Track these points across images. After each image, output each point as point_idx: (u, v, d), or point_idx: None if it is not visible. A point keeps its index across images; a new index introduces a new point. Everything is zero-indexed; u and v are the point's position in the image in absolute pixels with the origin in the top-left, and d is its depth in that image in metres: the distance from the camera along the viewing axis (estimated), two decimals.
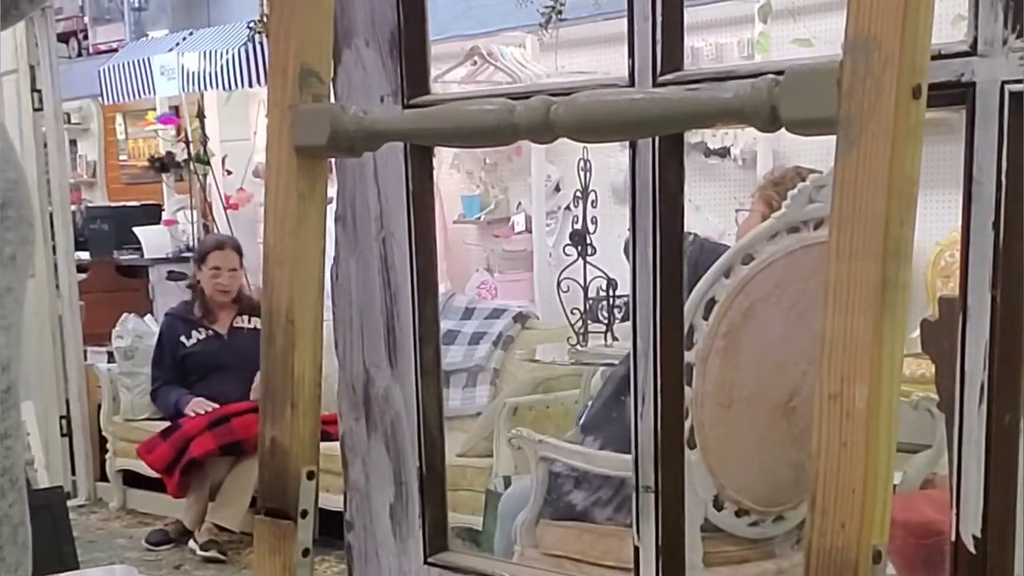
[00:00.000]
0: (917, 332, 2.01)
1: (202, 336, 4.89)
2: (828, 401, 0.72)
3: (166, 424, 4.77)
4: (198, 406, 4.71)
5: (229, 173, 6.46)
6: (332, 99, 1.18)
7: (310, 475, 1.13)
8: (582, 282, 4.80)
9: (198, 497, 4.65)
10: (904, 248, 0.72)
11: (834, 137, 0.73)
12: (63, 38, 7.14)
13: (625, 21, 1.15)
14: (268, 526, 1.02)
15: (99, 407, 5.42)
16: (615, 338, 4.56)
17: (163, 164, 6.56)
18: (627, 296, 1.38)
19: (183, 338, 4.89)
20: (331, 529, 2.61)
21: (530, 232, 5.38)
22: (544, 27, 4.57)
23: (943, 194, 3.99)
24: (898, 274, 0.71)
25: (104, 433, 5.39)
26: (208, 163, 6.36)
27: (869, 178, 0.71)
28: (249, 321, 4.89)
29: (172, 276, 6.33)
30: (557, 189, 5.48)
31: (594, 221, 4.81)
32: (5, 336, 0.71)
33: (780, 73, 0.77)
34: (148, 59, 6.40)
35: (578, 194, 4.83)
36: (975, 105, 0.97)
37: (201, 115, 6.33)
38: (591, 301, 4.81)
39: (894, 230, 0.71)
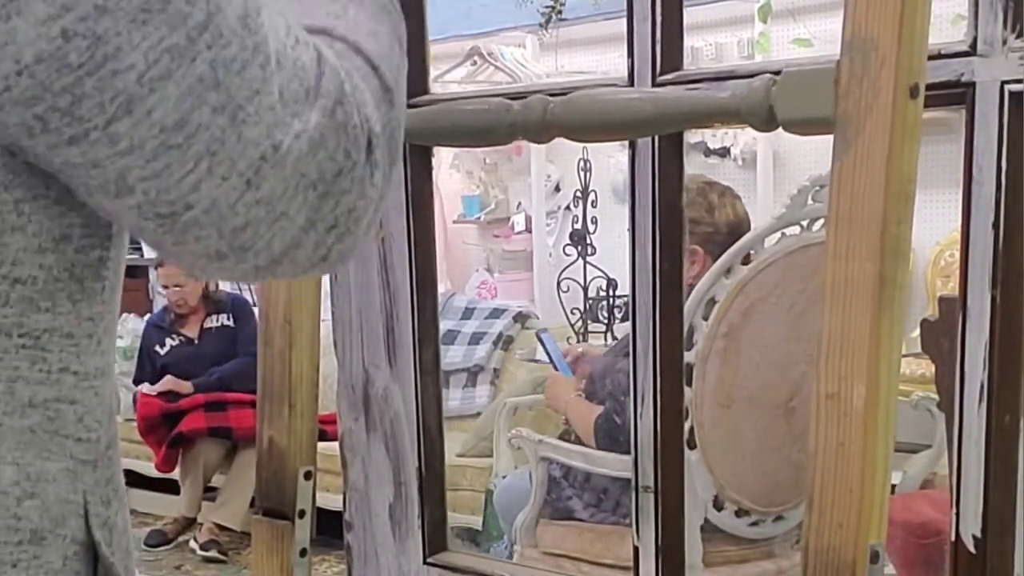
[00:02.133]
0: (917, 332, 2.01)
1: (175, 343, 4.93)
2: (826, 401, 0.72)
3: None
4: (163, 385, 4.76)
5: None
6: None
7: (307, 475, 1.14)
8: (582, 282, 4.80)
9: (193, 481, 4.67)
10: (901, 247, 0.71)
11: (831, 137, 0.73)
12: None
13: (624, 21, 1.15)
14: (266, 526, 1.02)
15: None
16: (615, 338, 4.56)
17: None
18: (627, 296, 1.38)
19: (157, 347, 4.96)
20: (331, 529, 2.61)
21: (530, 232, 5.38)
22: (544, 27, 4.57)
23: (943, 194, 3.99)
24: (896, 273, 0.71)
25: None
26: None
27: (866, 177, 0.71)
28: (217, 319, 4.92)
29: None
30: (557, 189, 5.48)
31: (594, 221, 4.82)
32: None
33: (778, 73, 0.77)
34: None
35: (578, 194, 4.83)
36: (975, 105, 0.96)
37: None
38: (591, 301, 4.81)
39: (891, 229, 0.71)
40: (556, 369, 3.06)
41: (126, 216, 0.62)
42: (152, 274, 6.48)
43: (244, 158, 0.60)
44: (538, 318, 4.74)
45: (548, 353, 3.15)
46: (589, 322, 4.78)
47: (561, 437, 2.81)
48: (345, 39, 0.68)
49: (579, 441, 2.68)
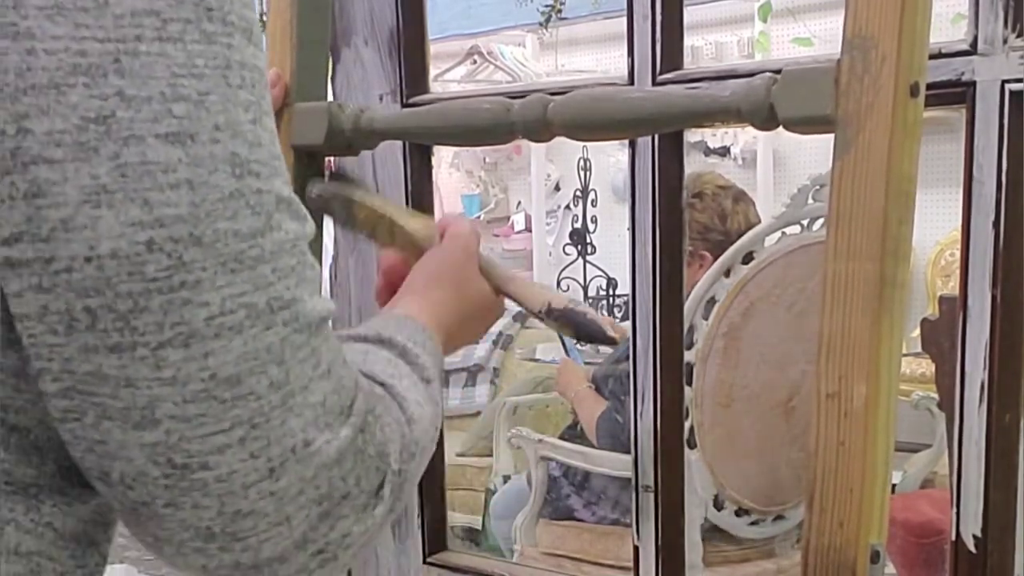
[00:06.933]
0: (918, 331, 2.00)
1: None
2: (826, 400, 0.72)
3: None
4: None
5: None
6: (331, 98, 1.18)
7: None
8: (582, 281, 4.81)
9: None
10: (902, 247, 0.71)
11: (832, 136, 0.73)
12: None
13: (625, 20, 1.15)
14: None
15: None
16: None
17: None
18: (627, 295, 1.38)
19: None
20: None
21: (530, 231, 5.38)
22: (544, 26, 4.57)
23: (943, 193, 3.99)
24: (896, 273, 0.71)
25: None
26: None
27: (867, 177, 0.71)
28: None
29: None
30: (557, 188, 5.48)
31: (594, 220, 4.82)
32: None
33: (779, 72, 0.77)
34: None
35: (578, 193, 4.84)
36: (975, 104, 0.96)
37: None
38: (591, 300, 4.82)
39: (892, 229, 0.70)
40: (568, 355, 3.07)
41: (134, 454, 0.57)
42: None
43: (279, 444, 0.58)
44: None
45: (563, 341, 3.21)
46: None
47: (563, 435, 2.81)
48: (393, 392, 0.69)
49: (583, 434, 2.68)
